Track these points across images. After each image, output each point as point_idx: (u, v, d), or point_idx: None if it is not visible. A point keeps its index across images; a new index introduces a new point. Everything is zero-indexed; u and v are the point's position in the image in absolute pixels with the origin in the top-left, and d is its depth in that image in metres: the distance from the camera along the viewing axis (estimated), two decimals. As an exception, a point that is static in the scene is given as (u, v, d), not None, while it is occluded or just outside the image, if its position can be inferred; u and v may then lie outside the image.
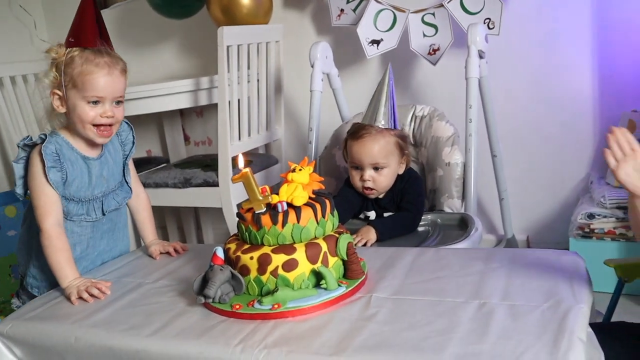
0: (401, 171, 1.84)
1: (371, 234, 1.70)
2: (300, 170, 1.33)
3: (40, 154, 1.46)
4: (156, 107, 2.65)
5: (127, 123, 1.65)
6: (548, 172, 2.56)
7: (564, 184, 2.55)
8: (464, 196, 1.95)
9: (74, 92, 1.48)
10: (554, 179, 2.55)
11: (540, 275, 1.23)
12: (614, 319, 1.32)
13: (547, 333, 1.00)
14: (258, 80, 2.56)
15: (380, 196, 1.86)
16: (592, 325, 1.09)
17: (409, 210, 1.79)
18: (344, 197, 1.85)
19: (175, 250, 1.64)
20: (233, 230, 2.27)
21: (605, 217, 2.22)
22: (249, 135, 2.53)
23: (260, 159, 2.64)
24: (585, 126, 2.49)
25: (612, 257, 1.72)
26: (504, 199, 2.44)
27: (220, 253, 1.28)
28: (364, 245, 1.67)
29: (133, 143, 1.66)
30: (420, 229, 1.81)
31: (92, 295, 1.38)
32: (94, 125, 1.50)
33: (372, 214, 1.87)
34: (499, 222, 2.59)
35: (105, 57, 1.49)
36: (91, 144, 1.54)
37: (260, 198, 1.27)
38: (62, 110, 1.51)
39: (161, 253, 1.64)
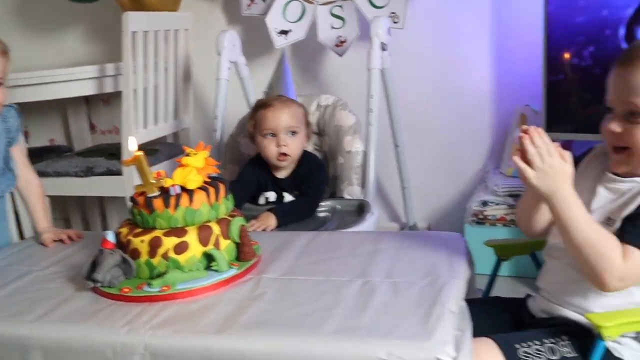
0: (307, 145, 1.93)
1: (271, 220, 1.72)
2: (195, 154, 1.33)
3: None
4: (59, 94, 2.57)
5: (14, 109, 1.59)
6: (449, 162, 2.66)
7: (463, 173, 2.66)
8: (363, 184, 2.00)
9: None
10: (454, 169, 2.66)
11: (424, 254, 1.29)
12: (492, 295, 1.40)
13: (422, 306, 1.06)
14: (166, 69, 2.54)
15: (282, 176, 1.91)
16: (470, 300, 1.16)
17: (308, 195, 1.84)
18: (243, 179, 1.90)
19: (70, 238, 1.60)
20: (137, 219, 2.25)
21: (497, 204, 2.34)
22: (156, 123, 2.50)
23: (168, 148, 2.61)
24: (483, 118, 2.61)
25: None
26: (406, 187, 2.52)
27: (110, 237, 1.27)
28: (264, 230, 1.69)
29: (18, 129, 1.60)
30: (320, 214, 1.85)
31: None
32: None
33: (271, 195, 1.90)
34: (401, 211, 2.67)
35: None
36: None
37: (153, 181, 1.27)
38: None
39: (54, 241, 1.60)
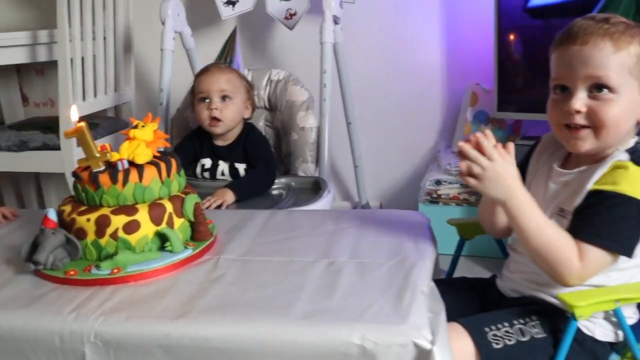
0: (247, 115, 1.90)
1: (227, 195, 1.66)
2: (143, 126, 1.24)
3: None
4: (-15, 61, 2.38)
5: None
6: (400, 140, 2.63)
7: (414, 152, 2.64)
8: (317, 161, 1.95)
9: None
10: (405, 147, 2.63)
11: (388, 234, 1.25)
12: (456, 275, 1.38)
13: (392, 287, 1.01)
14: (105, 38, 2.40)
15: (219, 142, 1.87)
16: (436, 280, 1.12)
17: (261, 166, 1.80)
18: (180, 147, 1.89)
19: (4, 217, 1.48)
20: (76, 197, 2.12)
21: (450, 183, 2.33)
22: (95, 96, 2.36)
23: (108, 123, 2.48)
24: (434, 96, 2.58)
25: (458, 221, 1.81)
26: (358, 166, 2.48)
27: (52, 215, 1.17)
28: (219, 207, 1.61)
29: None
30: (274, 192, 1.79)
31: None
32: None
33: (207, 162, 1.87)
34: (354, 189, 2.63)
35: None
36: None
37: (98, 155, 1.17)
38: None
39: None
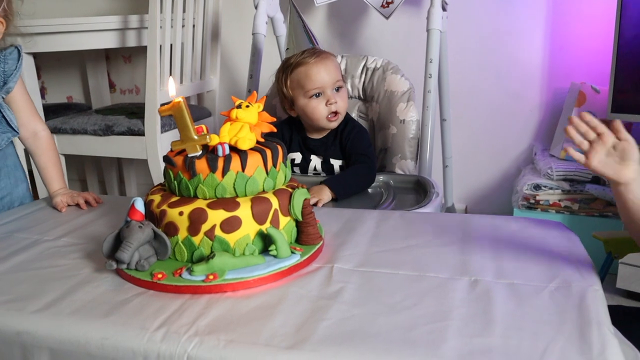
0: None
1: (324, 193, 1.37)
2: (247, 107, 0.98)
3: None
4: (78, 44, 2.19)
5: (17, 48, 1.26)
6: (491, 140, 2.31)
7: (506, 153, 2.31)
8: (418, 157, 1.65)
9: None
10: (496, 148, 2.31)
11: (532, 248, 0.95)
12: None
13: (567, 323, 0.72)
14: (194, 26, 2.18)
15: (313, 135, 1.57)
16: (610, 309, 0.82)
17: (362, 162, 1.48)
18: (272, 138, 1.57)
19: (87, 202, 1.26)
20: (159, 184, 1.91)
21: (551, 188, 1.99)
22: (181, 82, 2.15)
23: (192, 111, 2.24)
24: (531, 96, 2.25)
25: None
26: (448, 166, 2.18)
27: (139, 206, 0.92)
28: (315, 205, 1.34)
29: (17, 73, 1.26)
30: (370, 190, 1.50)
31: None
32: None
33: (297, 157, 1.57)
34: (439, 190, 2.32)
35: None
36: None
37: (196, 137, 0.92)
38: None
39: (69, 205, 1.25)
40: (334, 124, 1.53)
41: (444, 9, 1.79)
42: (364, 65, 1.78)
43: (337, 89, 1.51)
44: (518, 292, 0.80)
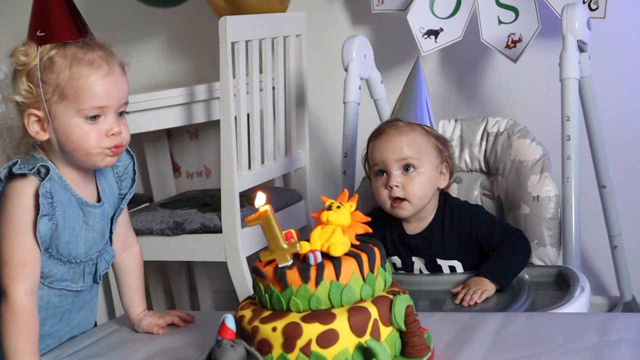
0: (443, 185, 1.86)
1: (487, 285, 1.70)
2: (338, 207, 1.31)
3: (35, 195, 1.36)
4: (135, 127, 2.62)
5: (127, 151, 1.56)
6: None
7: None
8: (561, 243, 1.91)
9: (64, 105, 1.39)
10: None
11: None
12: None
13: None
14: (274, 88, 2.53)
15: (410, 228, 1.85)
16: None
17: (512, 242, 1.80)
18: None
19: (183, 320, 1.60)
20: (241, 293, 2.24)
21: None
22: (263, 162, 2.50)
23: (279, 195, 2.62)
24: None
25: None
26: (617, 246, 2.38)
27: (230, 323, 1.26)
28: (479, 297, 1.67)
29: (134, 178, 1.59)
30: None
31: None
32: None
33: (397, 262, 1.87)
34: (610, 280, 2.53)
35: (97, 51, 1.44)
36: (82, 176, 1.47)
37: (285, 246, 1.26)
38: (44, 137, 1.41)
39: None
40: (399, 211, 1.81)
41: (581, 50, 2.07)
42: (484, 129, 2.08)
43: (406, 168, 1.79)
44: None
